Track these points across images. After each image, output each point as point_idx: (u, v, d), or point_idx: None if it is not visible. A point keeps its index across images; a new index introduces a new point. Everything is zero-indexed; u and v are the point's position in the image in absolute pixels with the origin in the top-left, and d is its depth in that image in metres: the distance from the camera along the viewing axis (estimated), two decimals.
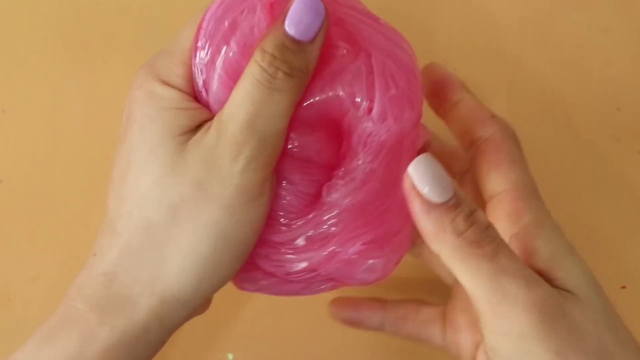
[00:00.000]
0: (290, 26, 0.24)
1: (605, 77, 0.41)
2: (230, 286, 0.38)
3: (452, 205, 0.23)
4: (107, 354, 0.24)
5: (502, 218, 0.27)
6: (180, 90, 0.25)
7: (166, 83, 0.25)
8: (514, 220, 0.26)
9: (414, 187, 0.23)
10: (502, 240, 0.24)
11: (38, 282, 0.38)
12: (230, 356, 0.37)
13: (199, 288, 0.25)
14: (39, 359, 0.24)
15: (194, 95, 0.26)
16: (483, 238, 0.23)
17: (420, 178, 0.23)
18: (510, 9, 0.43)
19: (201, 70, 0.26)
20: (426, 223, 0.23)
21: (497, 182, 0.27)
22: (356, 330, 0.34)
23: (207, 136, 0.24)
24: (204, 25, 0.26)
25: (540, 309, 0.23)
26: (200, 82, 0.26)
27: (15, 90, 0.41)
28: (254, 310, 0.38)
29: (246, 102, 0.23)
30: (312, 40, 0.24)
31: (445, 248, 0.23)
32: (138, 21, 0.42)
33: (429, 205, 0.23)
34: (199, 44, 0.26)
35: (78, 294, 0.25)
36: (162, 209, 0.24)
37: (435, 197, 0.23)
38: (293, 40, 0.24)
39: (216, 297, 0.38)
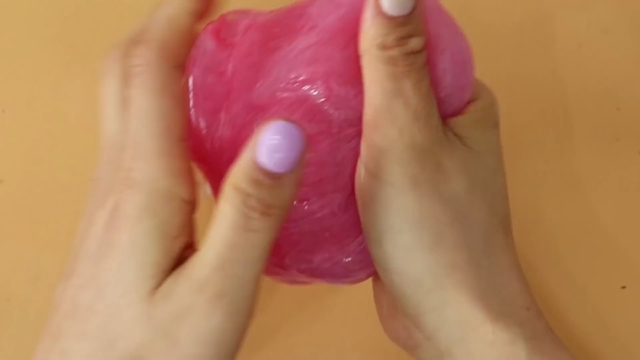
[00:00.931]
0: (262, 156, 0.20)
1: (605, 77, 0.41)
2: None
3: (398, 22, 0.23)
4: None
5: None
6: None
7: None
8: None
9: None
10: (419, 70, 0.23)
11: (38, 282, 0.38)
12: None
13: None
14: None
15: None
16: (401, 59, 0.23)
17: None
18: (510, 9, 0.43)
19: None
20: (368, 25, 0.23)
21: None
22: (356, 330, 0.34)
23: (179, 285, 0.21)
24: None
25: (414, 136, 0.23)
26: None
27: (15, 90, 0.41)
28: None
29: (218, 245, 0.21)
30: (290, 171, 0.21)
31: (368, 54, 0.23)
32: (138, 21, 0.42)
33: (379, 11, 0.23)
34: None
35: None
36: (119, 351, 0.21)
37: (389, 7, 0.22)
38: (266, 173, 0.20)
39: None
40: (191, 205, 0.23)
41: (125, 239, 0.22)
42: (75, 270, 0.24)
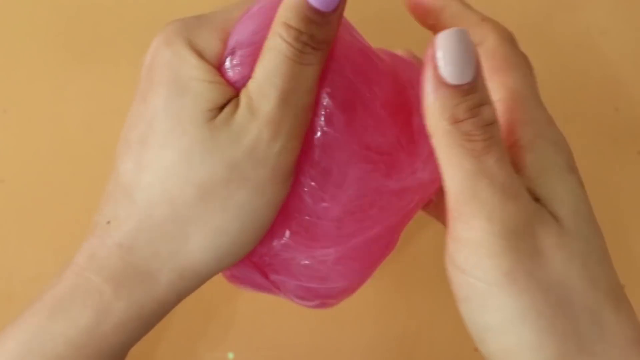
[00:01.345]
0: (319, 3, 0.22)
1: (603, 78, 0.42)
2: (230, 287, 0.38)
3: (464, 90, 0.21)
4: (122, 328, 0.23)
5: None
6: (212, 65, 0.24)
7: (200, 54, 0.24)
8: (508, 133, 0.23)
9: (433, 58, 0.21)
10: (498, 143, 0.21)
11: (38, 282, 0.38)
12: (230, 356, 0.37)
13: (220, 264, 0.24)
14: (50, 331, 0.23)
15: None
16: (478, 133, 0.21)
17: (444, 51, 0.20)
18: (510, 9, 0.43)
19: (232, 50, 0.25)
20: (432, 99, 0.21)
21: (492, 91, 0.23)
22: (356, 330, 0.34)
23: (238, 115, 0.23)
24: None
25: (505, 222, 0.20)
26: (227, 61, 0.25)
27: (16, 90, 0.41)
28: (254, 310, 0.38)
29: (276, 78, 0.23)
30: (335, 10, 0.23)
31: (439, 132, 0.21)
32: (139, 21, 0.42)
33: (441, 82, 0.21)
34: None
35: (90, 264, 0.24)
36: (189, 187, 0.23)
37: (450, 76, 0.20)
38: (316, 11, 0.22)
39: (216, 296, 0.38)
40: None
41: (170, 76, 0.24)
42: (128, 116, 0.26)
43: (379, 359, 0.38)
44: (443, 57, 0.20)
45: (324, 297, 0.28)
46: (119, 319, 0.23)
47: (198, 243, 0.23)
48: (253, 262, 0.27)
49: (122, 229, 0.23)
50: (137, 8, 0.42)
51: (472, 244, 0.21)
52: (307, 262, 0.26)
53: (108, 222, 0.24)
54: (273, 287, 0.28)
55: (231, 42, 0.24)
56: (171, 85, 0.23)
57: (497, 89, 0.24)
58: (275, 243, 0.26)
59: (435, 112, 0.21)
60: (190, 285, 0.24)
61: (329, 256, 0.26)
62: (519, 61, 0.25)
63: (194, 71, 0.23)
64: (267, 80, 0.23)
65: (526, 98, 0.24)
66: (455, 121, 0.21)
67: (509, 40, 0.26)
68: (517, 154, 0.23)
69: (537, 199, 0.22)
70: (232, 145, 0.23)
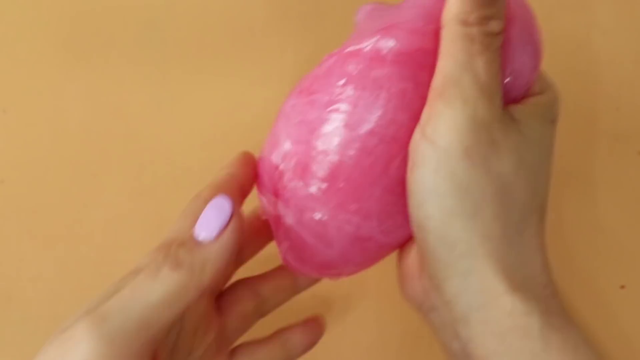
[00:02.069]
0: (200, 231, 0.25)
1: (604, 77, 0.41)
2: None
3: (483, 2, 0.24)
4: None
5: None
6: None
7: None
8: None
9: None
10: (494, 51, 0.25)
11: (38, 282, 0.38)
12: None
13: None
14: None
15: None
16: (479, 38, 0.24)
17: None
18: None
19: None
20: (453, 0, 0.25)
21: None
22: (356, 330, 0.34)
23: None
24: None
25: (476, 109, 0.24)
26: None
27: (16, 90, 0.41)
28: None
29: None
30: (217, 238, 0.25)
31: (449, 26, 0.25)
32: (139, 21, 0.42)
33: None
34: None
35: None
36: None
37: None
38: (191, 238, 0.25)
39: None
40: None
41: None
42: None
43: (379, 359, 0.38)
44: None
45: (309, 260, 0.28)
46: None
47: None
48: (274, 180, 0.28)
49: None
50: (137, 8, 0.42)
51: (445, 117, 0.24)
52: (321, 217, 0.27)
53: None
54: (275, 217, 0.29)
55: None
56: None
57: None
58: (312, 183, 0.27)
59: (452, 9, 0.25)
60: None
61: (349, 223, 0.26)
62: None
63: None
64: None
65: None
66: (464, 23, 0.24)
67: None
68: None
69: (508, 111, 0.26)
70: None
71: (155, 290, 0.24)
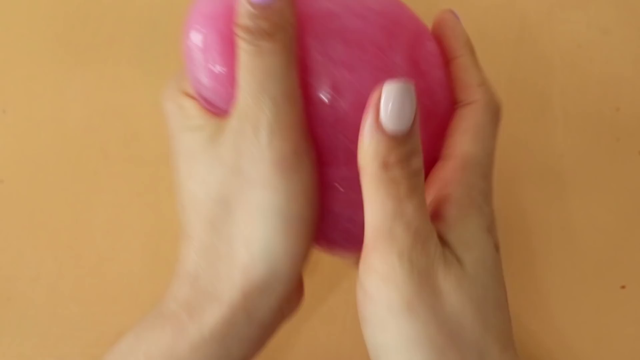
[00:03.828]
0: None
1: (604, 77, 0.41)
2: None
3: (398, 139, 0.22)
4: (198, 350, 0.25)
5: (433, 182, 0.26)
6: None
7: (190, 95, 0.27)
8: (443, 185, 0.26)
9: (377, 103, 0.22)
10: (420, 192, 0.23)
11: (38, 282, 0.38)
12: None
13: (275, 271, 0.25)
14: (136, 350, 0.26)
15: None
16: (404, 180, 0.23)
17: (388, 100, 0.22)
18: (510, 9, 0.43)
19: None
20: (367, 140, 0.23)
21: (451, 147, 0.27)
22: (356, 330, 0.34)
23: (229, 122, 0.25)
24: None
25: (412, 260, 0.23)
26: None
27: (16, 90, 0.41)
28: None
29: (246, 74, 0.24)
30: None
31: (368, 172, 0.23)
32: (139, 21, 0.42)
33: (379, 128, 0.22)
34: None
35: (170, 296, 0.26)
36: (214, 204, 0.25)
37: (390, 123, 0.22)
38: (257, 5, 0.24)
39: None
40: None
41: (176, 123, 0.27)
42: None
43: None
44: (385, 105, 0.22)
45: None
46: (192, 340, 0.25)
47: (243, 256, 0.25)
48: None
49: (187, 261, 0.26)
50: (137, 8, 0.42)
51: (381, 274, 0.23)
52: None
53: (179, 261, 0.26)
54: None
55: None
56: (179, 131, 0.26)
57: (454, 146, 0.27)
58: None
59: (368, 153, 0.23)
60: (256, 302, 0.25)
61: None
62: (489, 134, 0.27)
63: (189, 111, 0.26)
64: (239, 79, 0.24)
65: (474, 165, 0.26)
66: (385, 166, 0.23)
67: (492, 112, 0.28)
68: (443, 204, 0.25)
69: (446, 244, 0.24)
70: (228, 151, 0.25)
71: (272, 63, 0.24)
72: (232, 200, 0.25)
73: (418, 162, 0.23)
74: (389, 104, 0.22)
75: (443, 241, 0.24)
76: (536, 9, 0.43)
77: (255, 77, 0.24)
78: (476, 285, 0.24)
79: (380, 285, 0.23)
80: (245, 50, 0.24)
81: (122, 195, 0.39)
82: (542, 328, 0.37)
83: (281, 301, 0.26)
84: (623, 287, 0.38)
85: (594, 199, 0.40)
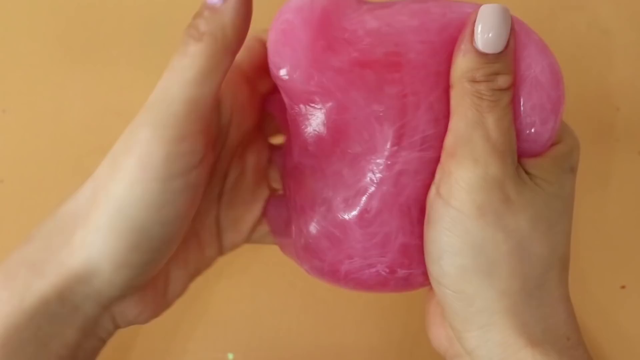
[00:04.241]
0: None
1: (604, 77, 0.41)
2: (230, 287, 0.38)
3: (489, 59, 0.24)
4: (6, 319, 0.23)
5: None
6: None
7: None
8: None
9: (473, 24, 0.25)
10: (504, 107, 0.25)
11: None
12: (230, 356, 0.37)
13: (119, 269, 0.24)
14: None
15: None
16: (488, 95, 0.24)
17: (483, 22, 0.24)
18: (511, 8, 0.43)
19: None
20: (460, 57, 0.25)
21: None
22: (356, 330, 0.34)
23: None
24: None
25: (487, 168, 0.24)
26: None
27: (16, 90, 0.41)
28: (254, 310, 0.38)
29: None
30: (224, 1, 0.24)
31: (458, 84, 0.25)
32: (139, 21, 0.42)
33: (472, 47, 0.25)
34: None
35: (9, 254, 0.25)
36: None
37: (481, 44, 0.24)
38: (205, 5, 0.25)
39: (215, 297, 0.38)
40: None
41: None
42: None
43: (379, 359, 0.38)
44: (481, 26, 0.24)
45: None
46: (3, 308, 0.24)
47: (78, 238, 0.24)
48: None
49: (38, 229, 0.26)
50: (136, 8, 0.42)
51: (457, 178, 0.24)
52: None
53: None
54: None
55: None
56: None
57: None
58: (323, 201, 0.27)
59: (460, 68, 0.25)
60: (74, 287, 0.24)
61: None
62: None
63: None
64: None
65: None
66: (472, 81, 0.24)
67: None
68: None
69: (524, 166, 0.25)
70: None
71: (188, 66, 0.24)
72: (98, 189, 0.26)
73: (505, 81, 0.24)
74: (484, 26, 0.24)
75: (522, 162, 0.25)
76: (537, 8, 0.43)
77: (165, 78, 0.25)
78: (549, 208, 0.25)
79: (454, 188, 0.24)
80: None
81: None
82: None
83: (128, 303, 0.26)
84: (623, 287, 0.38)
85: (593, 199, 0.40)
